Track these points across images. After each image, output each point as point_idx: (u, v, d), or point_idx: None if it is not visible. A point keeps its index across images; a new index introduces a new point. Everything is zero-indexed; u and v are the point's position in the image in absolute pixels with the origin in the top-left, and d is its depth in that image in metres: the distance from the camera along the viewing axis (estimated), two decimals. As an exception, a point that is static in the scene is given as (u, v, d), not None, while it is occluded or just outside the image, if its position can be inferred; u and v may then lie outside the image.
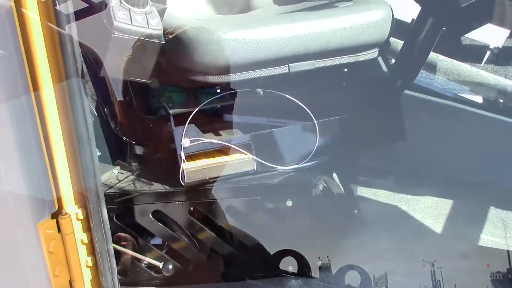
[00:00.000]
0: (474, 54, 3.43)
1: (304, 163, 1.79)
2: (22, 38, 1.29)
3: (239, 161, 1.73)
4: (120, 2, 1.35)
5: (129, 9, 1.34)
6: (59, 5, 1.26)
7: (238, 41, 1.59)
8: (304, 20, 1.67)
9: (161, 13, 1.49)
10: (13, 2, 1.24)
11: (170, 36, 1.59)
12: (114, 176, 1.80)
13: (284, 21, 1.67)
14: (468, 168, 2.34)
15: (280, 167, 1.76)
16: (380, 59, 2.31)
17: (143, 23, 1.34)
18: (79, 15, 1.32)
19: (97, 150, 1.47)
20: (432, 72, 2.93)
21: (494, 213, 2.12)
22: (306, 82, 1.82)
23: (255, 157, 1.73)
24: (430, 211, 2.14)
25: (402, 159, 2.45)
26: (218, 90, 1.70)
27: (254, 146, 1.74)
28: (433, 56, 2.81)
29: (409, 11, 2.08)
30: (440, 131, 2.36)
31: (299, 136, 1.80)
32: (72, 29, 1.29)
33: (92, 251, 1.52)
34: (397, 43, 2.78)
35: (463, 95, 2.86)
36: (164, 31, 1.56)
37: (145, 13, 1.36)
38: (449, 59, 2.84)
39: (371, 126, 1.91)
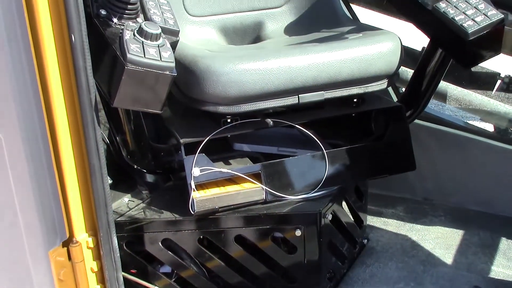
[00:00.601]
0: (484, 82, 3.45)
1: (313, 193, 1.79)
2: (38, 71, 1.33)
3: (249, 190, 1.74)
4: (134, 35, 1.38)
5: (142, 42, 1.37)
6: (74, 39, 1.29)
7: (248, 72, 1.61)
8: (313, 52, 1.70)
9: (174, 45, 1.52)
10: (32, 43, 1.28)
11: (182, 67, 1.63)
12: (125, 204, 1.82)
13: (293, 52, 1.69)
14: (479, 198, 2.33)
15: (290, 197, 1.76)
16: (390, 88, 2.33)
17: (156, 55, 1.37)
18: (94, 49, 1.36)
19: (108, 177, 1.49)
20: (442, 101, 2.94)
21: (506, 244, 2.10)
22: (315, 111, 1.84)
23: (264, 187, 1.74)
24: (441, 241, 2.13)
25: (412, 188, 2.45)
26: (229, 120, 1.71)
27: (263, 175, 1.75)
28: (443, 84, 2.83)
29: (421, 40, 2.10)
30: (451, 160, 2.36)
31: (309, 166, 1.81)
32: (86, 61, 1.32)
33: (102, 279, 1.53)
34: (407, 72, 2.80)
35: (474, 123, 2.87)
36: (176, 61, 1.60)
37: (158, 46, 1.39)
38: (459, 88, 2.85)
39: (380, 156, 1.92)
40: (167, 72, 1.38)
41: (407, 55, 2.67)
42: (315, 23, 2.07)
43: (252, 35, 2.13)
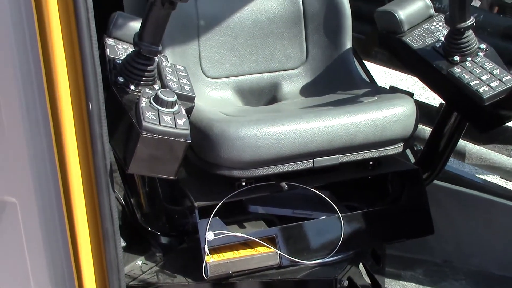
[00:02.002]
0: (505, 138, 3.39)
1: (329, 258, 1.76)
2: (55, 135, 1.36)
3: (263, 255, 1.71)
4: (150, 102, 1.40)
5: (158, 109, 1.39)
6: (91, 107, 1.32)
7: (262, 136, 1.62)
8: (328, 116, 1.71)
9: (189, 110, 1.54)
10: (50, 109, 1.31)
11: (198, 131, 1.64)
12: (138, 266, 1.81)
13: (308, 116, 1.70)
14: (503, 261, 2.26)
15: (305, 262, 1.73)
16: (408, 152, 2.31)
17: (171, 123, 1.38)
18: (111, 115, 1.39)
19: (122, 240, 1.48)
20: (461, 159, 2.91)
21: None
22: (331, 174, 1.83)
23: (279, 251, 1.71)
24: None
25: (432, 249, 2.39)
26: (243, 183, 1.71)
27: (278, 239, 1.73)
28: (461, 142, 2.80)
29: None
30: (471, 222, 2.31)
31: (324, 230, 1.79)
32: (103, 128, 1.35)
33: None
34: (425, 130, 2.79)
35: (495, 182, 2.82)
36: (192, 125, 1.62)
37: (173, 113, 1.41)
38: (477, 146, 2.82)
39: (397, 220, 1.88)
40: (182, 139, 1.40)
41: (424, 112, 2.67)
42: (331, 85, 2.09)
43: (268, 96, 2.15)
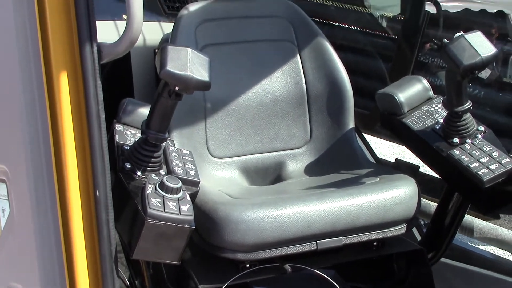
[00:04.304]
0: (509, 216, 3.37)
1: None
2: (62, 220, 1.40)
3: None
4: (155, 189, 1.44)
5: (163, 196, 1.43)
6: (99, 194, 1.37)
7: (266, 219, 1.64)
8: (331, 198, 1.73)
9: (194, 195, 1.58)
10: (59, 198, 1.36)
11: (202, 214, 1.67)
12: None
13: (311, 199, 1.73)
14: None
15: None
16: (414, 229, 2.31)
17: (175, 209, 1.42)
18: (117, 200, 1.43)
19: None
20: (469, 235, 2.89)
21: None
22: (335, 255, 1.83)
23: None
24: None
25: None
26: (247, 265, 1.72)
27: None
28: (468, 218, 2.80)
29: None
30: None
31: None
32: (109, 215, 1.38)
33: None
34: (430, 205, 2.80)
35: (504, 259, 2.79)
36: (196, 208, 1.65)
37: (178, 199, 1.44)
38: (484, 222, 2.82)
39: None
40: (186, 225, 1.42)
41: (430, 187, 2.68)
42: (334, 164, 2.13)
43: (273, 174, 2.19)
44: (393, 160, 3.83)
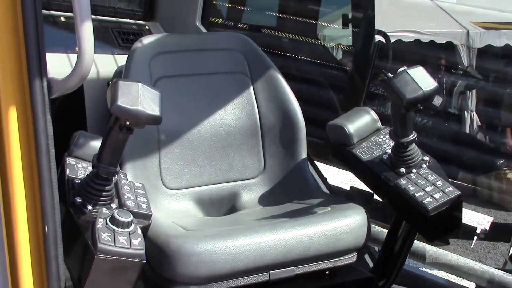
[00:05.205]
0: (463, 236, 3.47)
1: None
2: (9, 256, 1.37)
3: None
4: (106, 223, 1.44)
5: (114, 230, 1.43)
6: (47, 230, 1.35)
7: (218, 252, 1.66)
8: (283, 229, 1.76)
9: (146, 228, 1.58)
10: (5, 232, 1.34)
11: (155, 247, 1.67)
12: None
13: (263, 229, 1.75)
14: None
15: None
16: (366, 256, 2.37)
17: (126, 243, 1.41)
18: (67, 235, 1.41)
19: None
20: (421, 260, 2.96)
21: None
22: (288, 285, 1.85)
23: None
24: None
25: None
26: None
27: None
28: (419, 244, 2.88)
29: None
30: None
31: None
32: (58, 250, 1.37)
33: None
34: (383, 232, 2.86)
35: (456, 283, 2.87)
36: (149, 240, 1.65)
37: (129, 233, 1.44)
38: (434, 248, 2.90)
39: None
40: (137, 259, 1.42)
41: (381, 211, 2.75)
42: (288, 194, 2.17)
43: (227, 205, 2.21)
44: (348, 187, 3.92)
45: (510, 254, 1.63)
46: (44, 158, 1.35)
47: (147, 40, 2.19)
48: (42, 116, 1.34)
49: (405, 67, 1.80)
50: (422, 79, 1.77)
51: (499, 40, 6.59)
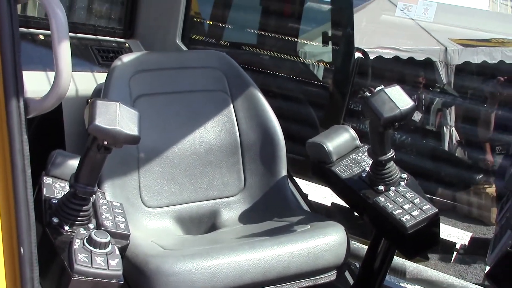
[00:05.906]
0: (442, 251, 3.49)
1: None
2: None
3: None
4: (83, 244, 1.42)
5: (91, 251, 1.41)
6: (23, 251, 1.33)
7: (198, 271, 1.64)
8: (262, 247, 1.76)
9: (124, 248, 1.57)
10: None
11: (133, 267, 1.66)
12: None
13: (243, 248, 1.75)
14: None
15: None
16: (347, 273, 2.37)
17: (103, 264, 1.40)
18: (43, 257, 1.39)
19: None
20: (401, 277, 2.98)
21: None
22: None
23: None
24: None
25: None
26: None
27: None
28: (400, 261, 2.89)
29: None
30: None
31: None
32: (34, 272, 1.35)
33: None
34: (364, 249, 2.87)
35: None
36: (128, 260, 1.63)
37: (106, 254, 1.43)
38: (415, 264, 2.91)
39: None
40: (114, 280, 1.41)
41: (362, 227, 2.75)
42: (268, 211, 2.17)
43: (207, 223, 2.20)
44: (330, 203, 3.93)
45: (486, 271, 1.64)
46: (20, 178, 1.33)
47: (126, 58, 2.19)
48: (18, 136, 1.32)
49: (382, 86, 1.83)
50: (399, 98, 1.79)
51: (477, 57, 6.72)
